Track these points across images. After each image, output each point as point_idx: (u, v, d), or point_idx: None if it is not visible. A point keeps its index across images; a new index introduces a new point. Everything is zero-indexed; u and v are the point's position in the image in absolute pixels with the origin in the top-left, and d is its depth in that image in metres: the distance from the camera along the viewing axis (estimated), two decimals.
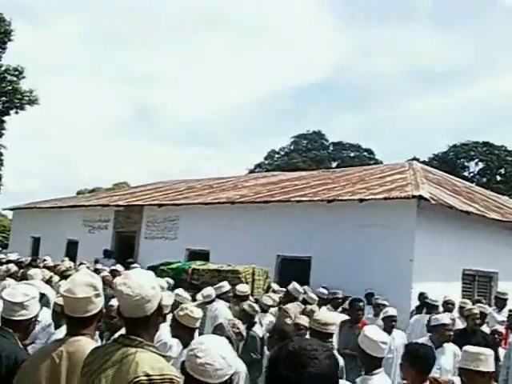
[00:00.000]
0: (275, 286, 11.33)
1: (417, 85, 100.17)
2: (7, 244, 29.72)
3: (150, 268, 12.91)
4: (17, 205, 28.69)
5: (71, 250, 21.70)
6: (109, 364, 2.70)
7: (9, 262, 13.73)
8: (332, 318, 5.90)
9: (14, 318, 3.68)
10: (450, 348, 6.78)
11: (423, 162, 33.28)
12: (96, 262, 15.89)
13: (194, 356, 2.43)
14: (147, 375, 2.59)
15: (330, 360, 1.83)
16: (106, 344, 2.95)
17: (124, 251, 19.06)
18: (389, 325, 8.07)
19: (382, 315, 8.66)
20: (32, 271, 10.98)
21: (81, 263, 15.37)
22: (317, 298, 9.83)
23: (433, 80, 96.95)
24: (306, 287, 10.55)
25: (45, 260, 14.02)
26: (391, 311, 8.35)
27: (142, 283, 2.79)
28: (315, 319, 5.63)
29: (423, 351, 4.69)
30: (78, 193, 45.67)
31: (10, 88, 30.28)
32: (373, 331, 4.75)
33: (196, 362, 2.41)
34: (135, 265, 14.45)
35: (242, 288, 9.68)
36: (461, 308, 9.95)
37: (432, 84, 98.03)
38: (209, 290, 9.33)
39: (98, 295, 3.22)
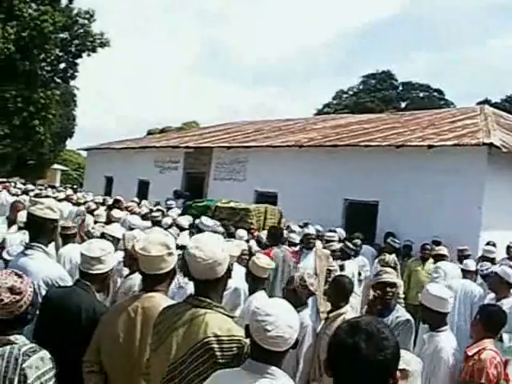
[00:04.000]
0: (295, 227, 11.04)
1: (492, 21, 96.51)
2: (82, 183, 30.74)
3: (185, 205, 13.49)
4: (91, 145, 29.52)
5: (142, 190, 22.31)
6: (179, 323, 2.86)
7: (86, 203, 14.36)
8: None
9: (92, 272, 3.88)
10: (509, 302, 6.53)
11: (494, 104, 32.33)
12: (167, 201, 16.30)
13: (262, 329, 2.45)
14: (216, 336, 2.73)
15: (394, 335, 1.97)
16: (175, 304, 3.10)
17: (193, 192, 19.35)
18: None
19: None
20: (98, 211, 11.69)
21: (157, 203, 15.98)
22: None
23: (508, 16, 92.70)
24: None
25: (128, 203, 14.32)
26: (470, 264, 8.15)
27: (213, 247, 2.92)
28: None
29: (499, 315, 4.81)
30: (149, 133, 46.50)
31: (81, 31, 30.87)
32: (436, 288, 4.79)
33: (266, 335, 2.44)
34: (171, 201, 15.39)
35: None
36: None
37: (507, 20, 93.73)
38: (242, 232, 9.61)
39: (170, 254, 3.42)
